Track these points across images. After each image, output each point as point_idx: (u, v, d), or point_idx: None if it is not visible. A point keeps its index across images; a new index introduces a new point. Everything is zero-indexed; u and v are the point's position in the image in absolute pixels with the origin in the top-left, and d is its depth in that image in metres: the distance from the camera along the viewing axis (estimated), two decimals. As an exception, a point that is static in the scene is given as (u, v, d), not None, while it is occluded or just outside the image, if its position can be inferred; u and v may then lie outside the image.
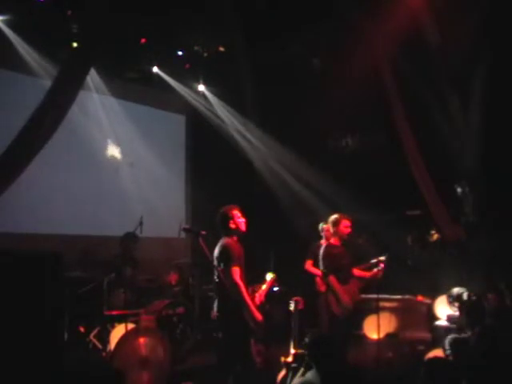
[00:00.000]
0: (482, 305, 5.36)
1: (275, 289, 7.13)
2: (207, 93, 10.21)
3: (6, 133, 7.04)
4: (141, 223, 7.20)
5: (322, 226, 7.70)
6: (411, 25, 7.63)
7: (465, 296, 6.26)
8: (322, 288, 7.08)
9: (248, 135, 10.09)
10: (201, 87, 10.14)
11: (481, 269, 7.22)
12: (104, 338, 6.52)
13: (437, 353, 5.41)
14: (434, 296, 7.40)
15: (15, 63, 7.74)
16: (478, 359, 4.11)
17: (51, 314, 3.68)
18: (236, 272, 5.10)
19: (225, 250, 5.19)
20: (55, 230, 8.06)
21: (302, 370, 4.31)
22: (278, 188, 9.67)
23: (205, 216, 8.04)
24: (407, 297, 7.74)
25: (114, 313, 6.59)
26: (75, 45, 7.61)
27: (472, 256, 7.53)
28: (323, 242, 7.64)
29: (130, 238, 7.24)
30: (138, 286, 7.07)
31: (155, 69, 9.36)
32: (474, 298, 5.73)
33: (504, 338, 4.36)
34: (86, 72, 7.62)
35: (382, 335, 6.44)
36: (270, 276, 5.52)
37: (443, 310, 6.95)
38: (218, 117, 10.14)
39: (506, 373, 3.96)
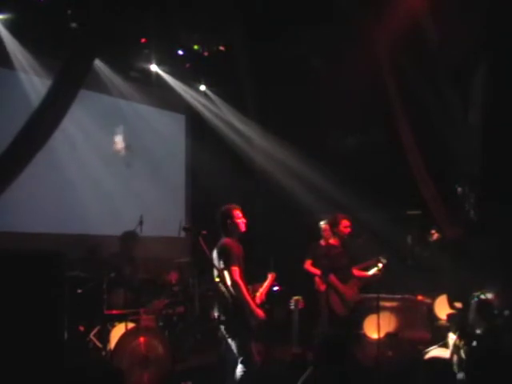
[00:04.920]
0: (490, 305, 5.35)
1: (275, 288, 7.12)
2: (208, 92, 10.21)
3: (5, 132, 7.04)
4: (141, 222, 7.18)
5: (321, 225, 7.72)
6: (412, 24, 7.63)
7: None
8: (322, 287, 7.10)
9: (248, 135, 10.09)
10: (202, 87, 10.15)
11: (481, 269, 7.22)
12: (104, 337, 6.50)
13: (437, 352, 5.42)
14: (433, 296, 7.41)
15: (15, 62, 7.73)
16: (479, 358, 4.11)
17: (52, 312, 3.68)
18: (235, 271, 5.10)
19: (223, 250, 5.20)
20: (55, 229, 8.05)
21: (310, 368, 4.27)
22: (278, 187, 9.66)
23: (205, 216, 8.04)
24: (407, 297, 7.75)
25: (114, 312, 6.59)
26: (75, 44, 7.59)
27: (472, 256, 7.53)
28: (323, 241, 7.65)
29: (131, 237, 7.23)
30: (137, 286, 7.06)
31: (155, 68, 9.35)
32: (482, 297, 5.70)
33: (504, 338, 4.36)
34: (86, 71, 7.61)
35: (382, 335, 6.44)
36: (270, 275, 5.53)
37: (443, 310, 6.95)
38: (218, 116, 10.13)
39: (506, 372, 3.97)
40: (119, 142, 9.43)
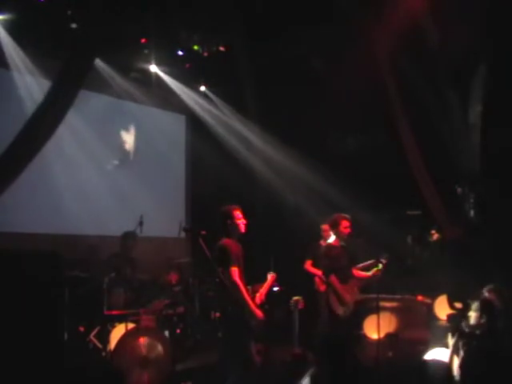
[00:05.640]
0: (491, 303, 5.35)
1: (275, 289, 7.14)
2: (208, 92, 10.21)
3: (3, 133, 7.03)
4: (141, 223, 7.19)
5: (321, 226, 7.72)
6: (412, 24, 7.63)
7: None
8: (322, 288, 7.11)
9: (248, 135, 10.08)
10: (202, 87, 10.14)
11: (481, 269, 7.22)
12: (104, 337, 6.50)
13: (436, 352, 5.41)
14: (433, 296, 7.41)
15: (13, 63, 7.71)
16: (479, 359, 4.11)
17: (51, 313, 3.68)
18: (235, 272, 5.10)
19: (223, 251, 5.19)
20: (55, 229, 8.04)
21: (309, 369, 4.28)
22: (278, 187, 9.67)
23: (205, 216, 8.03)
24: (407, 297, 7.75)
25: (114, 312, 6.59)
26: (75, 44, 7.60)
27: (472, 256, 7.54)
28: (322, 242, 7.65)
29: (130, 237, 7.23)
30: (137, 286, 7.06)
31: (155, 68, 9.35)
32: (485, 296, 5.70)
33: (505, 339, 4.36)
34: (86, 72, 7.61)
35: (382, 335, 6.44)
36: (270, 275, 5.53)
37: (443, 310, 6.95)
38: (218, 117, 10.12)
39: (506, 373, 3.96)
40: (119, 142, 9.42)
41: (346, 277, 6.48)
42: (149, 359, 6.01)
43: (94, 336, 6.66)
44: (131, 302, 6.73)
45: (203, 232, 5.16)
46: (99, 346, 6.57)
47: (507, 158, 7.68)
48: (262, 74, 9.44)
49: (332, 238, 6.69)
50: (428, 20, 7.91)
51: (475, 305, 5.24)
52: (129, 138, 9.51)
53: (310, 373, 3.98)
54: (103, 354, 6.40)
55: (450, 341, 5.08)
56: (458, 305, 6.59)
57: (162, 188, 9.72)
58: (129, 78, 9.23)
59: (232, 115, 10.14)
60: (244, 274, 5.24)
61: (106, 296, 6.65)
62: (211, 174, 9.79)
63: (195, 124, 10.47)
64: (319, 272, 7.18)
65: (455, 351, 4.73)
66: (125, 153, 9.48)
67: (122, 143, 9.46)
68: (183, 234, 6.92)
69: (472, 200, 8.26)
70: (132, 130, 9.54)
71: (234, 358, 5.14)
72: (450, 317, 6.60)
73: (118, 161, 9.39)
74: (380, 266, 6.52)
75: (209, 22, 8.52)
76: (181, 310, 7.57)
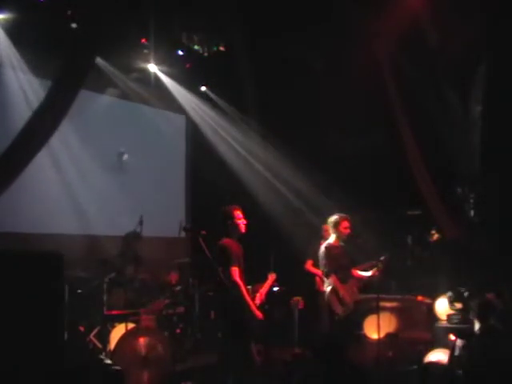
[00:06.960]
0: (491, 304, 5.35)
1: (275, 289, 7.14)
2: (208, 93, 10.20)
3: (4, 132, 7.03)
4: (141, 223, 7.18)
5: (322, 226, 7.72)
6: (412, 24, 7.63)
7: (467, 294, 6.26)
8: (322, 288, 7.10)
9: (248, 136, 10.08)
10: (202, 88, 10.14)
11: (481, 269, 7.22)
12: (104, 337, 6.51)
13: (437, 353, 5.42)
14: (433, 296, 7.41)
15: (10, 63, 7.71)
16: (478, 358, 4.11)
17: (51, 313, 3.69)
18: (235, 272, 5.11)
19: (223, 250, 5.20)
20: (55, 229, 8.04)
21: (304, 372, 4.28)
22: (278, 187, 9.66)
23: (205, 216, 8.03)
24: (407, 297, 7.75)
25: (114, 312, 6.60)
26: (75, 44, 7.59)
27: (472, 256, 7.54)
28: (323, 242, 7.66)
29: (133, 237, 7.23)
30: (138, 286, 7.07)
31: (154, 69, 9.34)
32: (485, 296, 5.70)
33: (504, 338, 4.37)
34: (86, 72, 7.61)
35: (382, 335, 6.45)
36: (270, 275, 5.54)
37: (443, 310, 6.95)
38: (217, 117, 10.11)
39: (505, 373, 3.97)
40: (119, 142, 9.41)
41: (346, 277, 6.49)
42: (149, 359, 6.01)
43: (94, 336, 6.67)
44: (131, 302, 6.73)
45: (203, 232, 5.17)
46: (99, 346, 6.58)
47: (507, 158, 7.68)
48: (261, 74, 9.43)
49: (332, 238, 6.69)
50: (428, 20, 7.90)
51: (475, 305, 5.24)
52: (129, 138, 9.49)
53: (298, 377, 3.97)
54: (103, 353, 6.40)
55: (450, 341, 5.09)
56: (458, 305, 6.59)
57: (162, 188, 9.72)
58: (129, 78, 9.22)
59: (232, 115, 10.14)
60: (244, 274, 5.25)
61: (106, 296, 6.65)
62: (211, 174, 9.78)
63: (195, 124, 10.47)
64: (319, 272, 7.19)
65: (455, 351, 4.73)
66: (125, 152, 9.47)
67: (121, 143, 9.44)
68: (183, 234, 6.91)
69: (472, 200, 8.26)
70: (132, 130, 9.53)
71: (234, 358, 5.15)
72: (449, 317, 6.61)
73: (118, 160, 9.38)
74: (380, 266, 6.52)
75: (209, 22, 8.52)
76: (181, 309, 7.57)
